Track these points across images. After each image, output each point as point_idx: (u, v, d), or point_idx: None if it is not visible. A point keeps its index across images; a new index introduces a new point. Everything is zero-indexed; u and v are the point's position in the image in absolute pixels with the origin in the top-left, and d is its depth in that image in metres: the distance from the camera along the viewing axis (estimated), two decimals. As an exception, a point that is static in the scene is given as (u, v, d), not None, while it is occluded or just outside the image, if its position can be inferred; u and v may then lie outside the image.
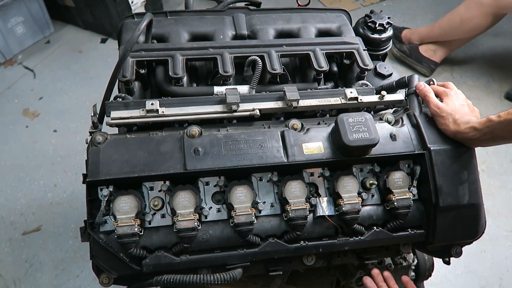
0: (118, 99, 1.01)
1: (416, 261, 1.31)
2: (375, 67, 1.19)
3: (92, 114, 0.98)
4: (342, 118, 0.92)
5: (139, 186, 0.92)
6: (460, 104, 0.98)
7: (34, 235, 2.02)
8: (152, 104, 0.96)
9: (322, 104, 1.03)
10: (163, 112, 0.96)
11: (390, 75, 1.17)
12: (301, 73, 1.20)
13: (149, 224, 0.91)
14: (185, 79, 1.10)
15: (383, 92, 1.04)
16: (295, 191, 0.92)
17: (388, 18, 1.30)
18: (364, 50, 1.17)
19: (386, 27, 1.29)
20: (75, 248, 1.97)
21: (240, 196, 0.90)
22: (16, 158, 2.34)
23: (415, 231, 0.98)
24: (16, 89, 2.78)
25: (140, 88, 1.09)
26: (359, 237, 0.95)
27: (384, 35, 1.30)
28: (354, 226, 0.95)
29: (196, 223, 0.87)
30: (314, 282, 1.50)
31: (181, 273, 0.85)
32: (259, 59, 1.08)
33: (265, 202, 0.94)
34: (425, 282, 1.47)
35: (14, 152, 2.37)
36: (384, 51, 1.29)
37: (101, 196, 0.88)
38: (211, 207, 0.93)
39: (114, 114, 0.95)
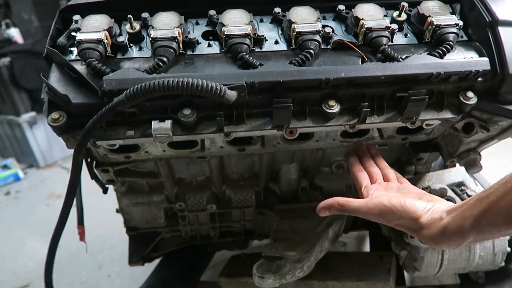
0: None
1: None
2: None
3: None
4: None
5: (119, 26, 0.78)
6: None
7: (19, 294, 1.68)
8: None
9: None
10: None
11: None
12: None
13: (123, 55, 0.73)
14: None
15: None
16: (302, 14, 0.75)
17: None
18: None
19: None
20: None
21: (234, 17, 0.74)
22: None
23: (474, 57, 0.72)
24: (48, 181, 2.81)
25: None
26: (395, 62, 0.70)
27: None
28: (385, 48, 0.71)
29: (177, 36, 0.70)
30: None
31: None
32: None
33: (267, 40, 0.76)
34: None
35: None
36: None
37: (73, 23, 0.75)
38: (200, 43, 0.75)
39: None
